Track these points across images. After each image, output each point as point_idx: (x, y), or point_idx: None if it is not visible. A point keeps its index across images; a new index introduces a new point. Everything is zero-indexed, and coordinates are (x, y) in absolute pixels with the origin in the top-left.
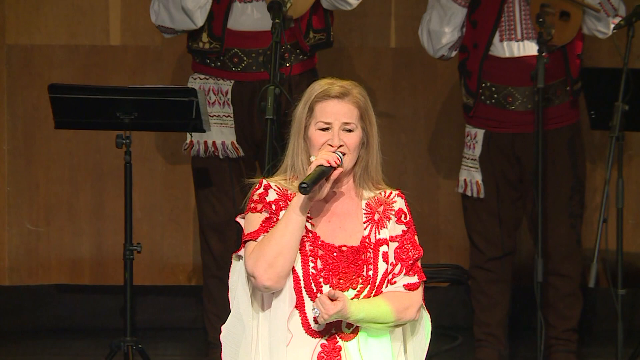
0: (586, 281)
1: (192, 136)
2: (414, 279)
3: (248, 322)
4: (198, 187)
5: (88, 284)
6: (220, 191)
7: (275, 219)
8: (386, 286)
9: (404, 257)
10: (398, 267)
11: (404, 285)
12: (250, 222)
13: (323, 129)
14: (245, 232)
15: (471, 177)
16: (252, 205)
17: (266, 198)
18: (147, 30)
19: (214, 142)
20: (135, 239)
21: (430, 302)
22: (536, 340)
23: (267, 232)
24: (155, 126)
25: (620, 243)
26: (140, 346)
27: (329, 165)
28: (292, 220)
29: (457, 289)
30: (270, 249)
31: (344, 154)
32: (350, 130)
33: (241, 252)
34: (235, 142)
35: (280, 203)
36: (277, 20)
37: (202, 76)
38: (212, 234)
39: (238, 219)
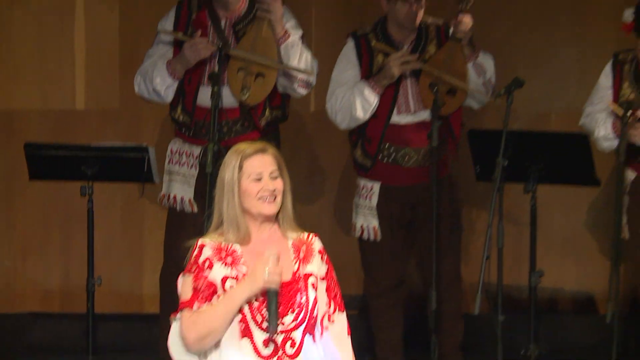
0: (470, 308)
1: (162, 189)
2: (345, 318)
3: None
4: (167, 233)
5: (57, 311)
6: (180, 239)
7: (206, 276)
8: (322, 318)
9: (334, 295)
10: (332, 305)
11: (347, 331)
12: (185, 286)
13: (256, 179)
14: (181, 298)
15: (368, 222)
16: (188, 267)
17: (199, 260)
18: (107, 96)
19: (174, 196)
20: (96, 273)
21: None
22: (428, 356)
23: (198, 297)
24: (114, 177)
25: (501, 276)
26: None
27: (274, 289)
28: (230, 311)
29: (361, 317)
30: (204, 327)
31: (275, 197)
32: (276, 177)
33: (178, 316)
34: (192, 199)
35: (214, 258)
36: (215, 89)
37: (180, 140)
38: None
39: (179, 278)
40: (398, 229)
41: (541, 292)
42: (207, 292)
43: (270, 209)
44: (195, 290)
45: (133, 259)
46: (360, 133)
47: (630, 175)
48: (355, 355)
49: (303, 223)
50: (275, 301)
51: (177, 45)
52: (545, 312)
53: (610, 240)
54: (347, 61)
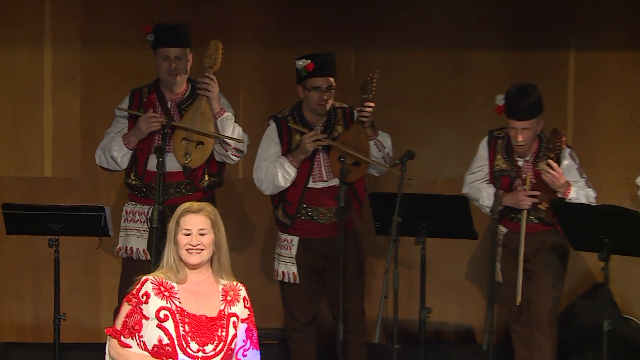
0: (372, 338)
1: (118, 243)
2: (257, 355)
3: None
4: (122, 278)
5: (29, 341)
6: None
7: (141, 310)
8: (238, 351)
9: (251, 335)
10: (248, 343)
11: None
12: (122, 313)
13: (186, 234)
14: (115, 322)
15: (288, 269)
16: (129, 296)
17: (140, 292)
18: (70, 167)
19: (131, 247)
20: (62, 310)
21: (264, 356)
22: None
23: (125, 332)
24: (76, 232)
25: (396, 312)
26: None
27: None
28: None
29: (281, 346)
30: None
31: (202, 250)
32: (204, 234)
33: (108, 337)
34: (146, 249)
35: (152, 292)
36: (160, 160)
37: (133, 203)
38: None
39: (123, 302)
40: (313, 274)
41: (429, 326)
42: (133, 330)
43: (194, 259)
44: (125, 323)
45: (92, 298)
46: (281, 197)
47: (503, 230)
48: None
49: (234, 269)
50: None
51: (132, 122)
52: (433, 342)
53: (486, 284)
54: (270, 140)
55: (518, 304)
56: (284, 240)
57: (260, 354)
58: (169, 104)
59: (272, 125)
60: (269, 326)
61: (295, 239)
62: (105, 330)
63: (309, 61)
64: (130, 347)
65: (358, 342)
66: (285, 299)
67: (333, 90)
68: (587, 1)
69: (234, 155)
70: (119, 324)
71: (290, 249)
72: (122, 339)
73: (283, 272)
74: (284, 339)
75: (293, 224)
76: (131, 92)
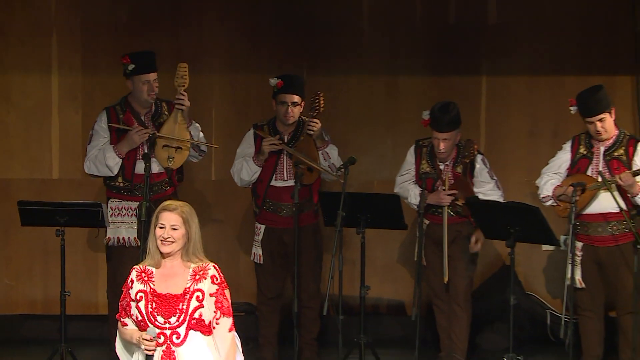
0: (322, 310)
1: (107, 233)
2: (230, 320)
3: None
4: (109, 263)
5: (40, 313)
6: (124, 266)
7: (129, 294)
8: (211, 321)
9: (220, 306)
10: (219, 313)
11: (228, 329)
12: (122, 299)
13: (161, 227)
14: (119, 306)
15: (257, 251)
16: (124, 285)
17: (128, 280)
18: (73, 170)
19: (123, 237)
20: (67, 287)
21: (238, 325)
22: (294, 345)
23: (122, 312)
24: (78, 224)
25: (341, 290)
26: (69, 349)
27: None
28: (128, 340)
29: (249, 317)
30: (127, 346)
31: (172, 242)
32: (176, 229)
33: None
34: (136, 237)
35: (135, 279)
36: (147, 165)
37: (117, 200)
38: (117, 290)
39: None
40: (277, 257)
41: (368, 301)
42: (126, 311)
43: (165, 249)
44: (122, 307)
45: (91, 278)
46: (253, 191)
47: (426, 222)
48: (243, 343)
49: (216, 253)
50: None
51: (116, 134)
52: (371, 314)
53: (414, 266)
54: (247, 143)
55: (446, 282)
56: (256, 227)
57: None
58: (142, 118)
59: (251, 132)
60: (243, 300)
61: (263, 227)
62: (117, 315)
63: (279, 80)
64: (127, 325)
65: (313, 316)
66: (256, 277)
67: (299, 106)
68: (495, 35)
69: (201, 155)
70: (120, 309)
71: (259, 234)
72: (122, 319)
73: (254, 253)
74: (251, 311)
75: (260, 214)
76: (106, 110)
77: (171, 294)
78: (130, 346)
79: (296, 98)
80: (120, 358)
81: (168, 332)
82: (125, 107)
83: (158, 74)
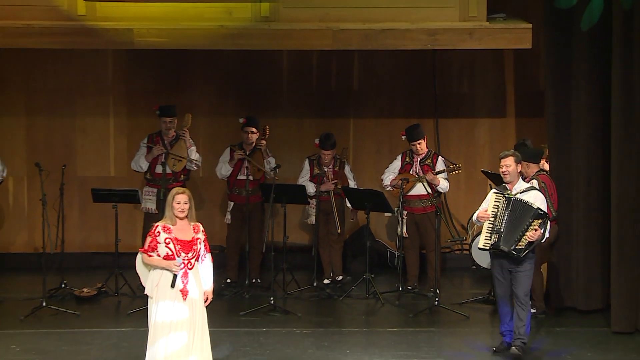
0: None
1: (142, 204)
2: (209, 254)
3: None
4: (145, 222)
5: (104, 251)
6: (149, 223)
7: (156, 237)
8: (200, 256)
9: (206, 245)
10: (203, 250)
11: (210, 259)
12: (147, 240)
13: (177, 203)
14: (144, 244)
15: (228, 216)
16: (150, 231)
17: (155, 230)
18: (124, 170)
19: (149, 207)
20: (119, 237)
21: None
22: (246, 270)
23: (149, 248)
24: (125, 201)
25: (273, 237)
26: (121, 272)
27: (175, 272)
28: (157, 265)
29: (220, 254)
30: (149, 263)
31: (184, 210)
32: (186, 203)
33: (140, 252)
34: (156, 208)
35: (161, 230)
36: (164, 168)
37: (147, 187)
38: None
39: (147, 236)
40: (239, 220)
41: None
42: (153, 247)
43: (180, 215)
44: (149, 245)
45: (133, 232)
46: (227, 182)
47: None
48: (215, 268)
49: (205, 219)
50: (175, 276)
51: (149, 149)
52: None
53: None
54: (226, 154)
55: (339, 232)
56: (228, 203)
57: (211, 255)
58: (165, 142)
59: (228, 149)
60: (217, 244)
61: (232, 203)
62: (140, 249)
63: (244, 119)
64: (152, 256)
65: (257, 253)
66: (227, 231)
67: (255, 134)
68: (361, 85)
69: (195, 166)
70: (146, 246)
71: (229, 207)
72: (149, 252)
73: (226, 217)
74: (221, 250)
75: (230, 195)
76: (148, 135)
77: (187, 240)
78: (146, 266)
79: (254, 129)
80: (140, 274)
81: (186, 261)
82: (156, 135)
83: (174, 117)
